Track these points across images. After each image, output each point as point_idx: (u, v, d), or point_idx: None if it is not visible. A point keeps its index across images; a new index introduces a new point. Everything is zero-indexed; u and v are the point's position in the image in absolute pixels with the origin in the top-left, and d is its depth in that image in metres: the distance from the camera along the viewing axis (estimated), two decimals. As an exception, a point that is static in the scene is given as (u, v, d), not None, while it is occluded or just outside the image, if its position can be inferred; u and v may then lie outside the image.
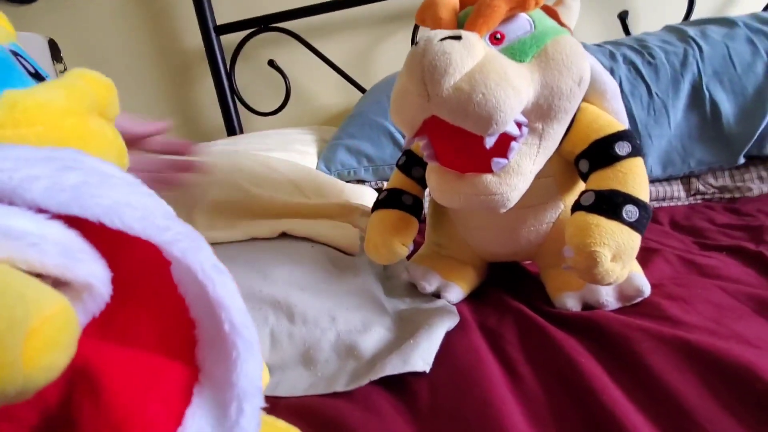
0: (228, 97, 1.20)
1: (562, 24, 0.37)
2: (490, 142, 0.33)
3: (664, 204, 0.75)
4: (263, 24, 1.15)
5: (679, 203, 0.75)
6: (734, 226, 0.61)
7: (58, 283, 0.14)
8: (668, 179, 0.76)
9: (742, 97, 0.71)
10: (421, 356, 0.37)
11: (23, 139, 0.17)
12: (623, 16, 1.04)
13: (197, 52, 1.24)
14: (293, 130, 1.01)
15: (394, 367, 0.36)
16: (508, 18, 0.34)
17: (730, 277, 0.46)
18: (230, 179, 0.60)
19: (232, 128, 1.21)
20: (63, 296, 0.13)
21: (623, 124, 0.39)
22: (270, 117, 1.22)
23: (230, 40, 1.18)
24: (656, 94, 0.74)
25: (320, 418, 0.34)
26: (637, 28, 1.05)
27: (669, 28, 0.85)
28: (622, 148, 0.37)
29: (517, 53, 0.34)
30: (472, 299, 0.50)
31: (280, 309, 0.43)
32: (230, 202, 0.58)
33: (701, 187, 0.74)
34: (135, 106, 1.34)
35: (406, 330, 0.42)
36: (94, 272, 0.15)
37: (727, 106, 0.72)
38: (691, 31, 0.79)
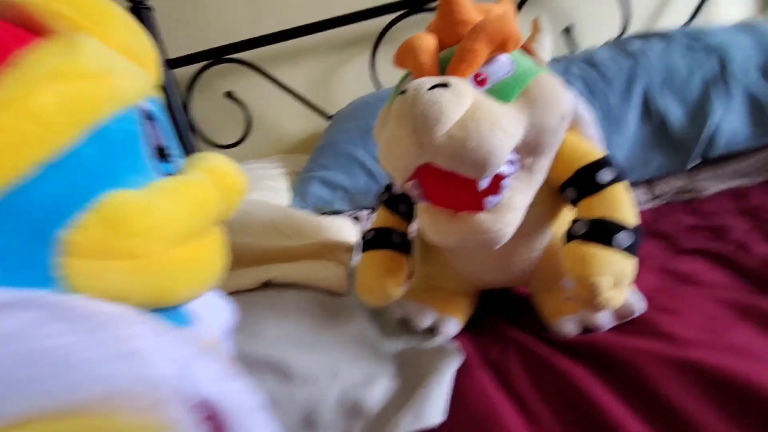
0: (185, 132, 1.15)
1: (538, 61, 0.38)
2: (484, 183, 0.33)
3: (631, 209, 0.78)
4: (217, 56, 1.12)
5: (644, 207, 0.78)
6: (699, 227, 0.64)
7: None
8: (633, 185, 0.80)
9: (686, 105, 0.77)
10: (434, 407, 0.35)
11: (115, 273, 0.14)
12: (568, 31, 1.10)
13: (147, 88, 1.19)
14: (259, 163, 0.98)
15: (408, 424, 0.34)
16: (489, 59, 0.35)
17: (710, 283, 0.48)
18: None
19: (192, 165, 1.16)
20: None
21: (602, 151, 0.40)
22: (232, 149, 1.18)
23: (184, 73, 1.14)
24: (611, 106, 0.78)
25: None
26: (581, 41, 1.11)
27: (613, 44, 0.90)
28: (606, 174, 0.38)
29: (501, 94, 0.34)
30: (470, 329, 0.49)
31: (276, 370, 0.40)
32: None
33: (662, 190, 0.78)
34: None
35: (411, 377, 0.41)
36: None
37: (674, 114, 0.76)
38: (633, 46, 0.84)
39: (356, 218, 0.83)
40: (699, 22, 1.04)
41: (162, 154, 0.18)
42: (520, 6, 1.07)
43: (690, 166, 0.77)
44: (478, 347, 0.45)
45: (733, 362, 0.33)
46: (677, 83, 0.77)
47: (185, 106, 1.16)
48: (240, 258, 0.54)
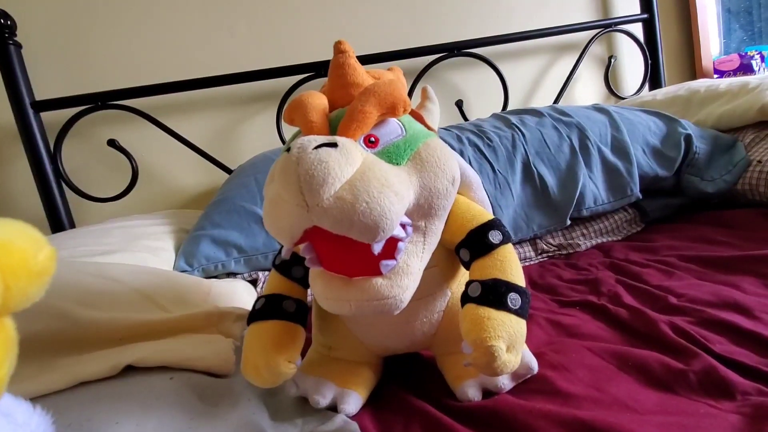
0: (52, 183, 1.00)
1: (427, 126, 0.39)
2: (377, 248, 0.31)
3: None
4: (100, 101, 1.01)
5: (531, 263, 0.85)
6: (577, 280, 0.71)
7: None
8: (519, 242, 0.86)
9: (559, 171, 0.88)
10: None
11: None
12: (459, 104, 1.23)
13: (8, 129, 1.02)
14: (141, 219, 0.86)
15: None
16: (380, 122, 0.35)
17: (589, 334, 0.52)
18: (46, 303, 0.45)
19: (59, 221, 0.99)
20: None
21: (490, 213, 0.42)
22: (113, 202, 1.05)
23: (58, 116, 1.00)
24: (498, 171, 0.86)
25: None
26: (470, 112, 1.24)
27: (496, 116, 1.02)
28: (495, 236, 0.39)
29: (393, 156, 0.34)
30: (372, 403, 0.45)
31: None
32: (47, 336, 0.44)
33: (545, 247, 0.86)
34: None
35: (303, 471, 0.35)
36: None
37: (550, 179, 0.87)
38: (514, 119, 0.96)
39: (254, 281, 0.76)
40: (562, 102, 1.23)
41: None
42: (417, 80, 1.17)
43: (566, 224, 0.86)
44: (380, 423, 0.42)
45: (617, 419, 0.34)
46: (550, 152, 0.88)
47: (55, 155, 1.01)
48: (94, 338, 0.44)
